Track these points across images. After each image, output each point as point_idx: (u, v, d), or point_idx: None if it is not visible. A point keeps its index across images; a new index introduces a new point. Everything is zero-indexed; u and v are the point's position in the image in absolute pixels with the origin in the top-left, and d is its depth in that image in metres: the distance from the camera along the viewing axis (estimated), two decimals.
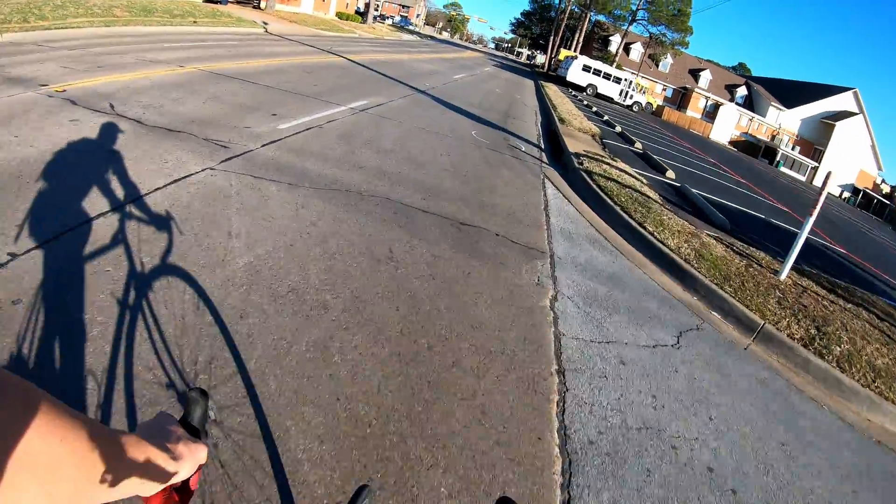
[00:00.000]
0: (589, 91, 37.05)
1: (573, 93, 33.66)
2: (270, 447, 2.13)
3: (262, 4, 29.96)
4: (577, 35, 54.99)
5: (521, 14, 74.04)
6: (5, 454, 0.39)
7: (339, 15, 42.12)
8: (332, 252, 3.91)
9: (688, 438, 3.04)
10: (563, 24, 52.67)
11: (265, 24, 22.09)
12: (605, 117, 22.06)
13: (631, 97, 37.47)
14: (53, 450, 0.42)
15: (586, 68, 36.58)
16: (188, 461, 0.62)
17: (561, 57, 45.77)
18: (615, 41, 63.08)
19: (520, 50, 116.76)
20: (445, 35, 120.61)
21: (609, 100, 38.13)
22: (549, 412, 2.90)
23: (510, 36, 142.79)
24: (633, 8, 53.02)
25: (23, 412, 0.41)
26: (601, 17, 60.69)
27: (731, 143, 63.20)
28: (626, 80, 37.22)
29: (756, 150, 63.64)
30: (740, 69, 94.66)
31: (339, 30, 31.85)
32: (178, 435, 0.63)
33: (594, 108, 24.41)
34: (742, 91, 69.63)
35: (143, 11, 14.74)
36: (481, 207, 5.97)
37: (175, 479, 0.60)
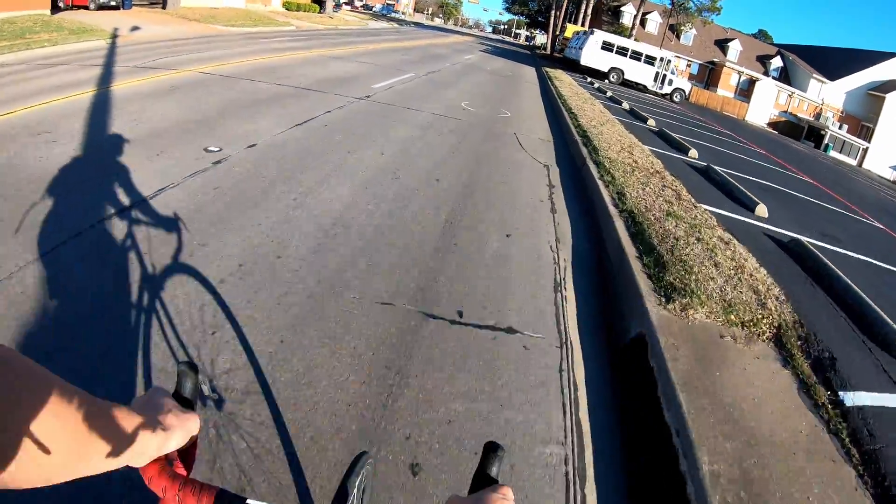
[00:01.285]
0: (613, 78, 26.24)
1: (589, 80, 22.95)
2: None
3: (168, 4, 20.19)
4: (583, 6, 43.61)
5: None
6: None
7: (288, 5, 31.74)
8: None
9: None
10: None
11: (122, 31, 11.85)
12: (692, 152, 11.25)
13: (670, 83, 26.58)
14: (46, 423, 0.42)
15: (607, 46, 25.75)
16: (179, 431, 0.62)
17: (568, 34, 34.68)
18: (628, 12, 51.56)
19: (517, 31, 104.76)
20: (438, 21, 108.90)
21: (640, 88, 27.25)
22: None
23: (508, 17, 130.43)
24: None
25: (14, 384, 0.40)
26: None
27: (770, 124, 51.83)
28: (662, 59, 26.31)
29: (798, 131, 52.10)
30: (761, 37, 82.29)
31: (267, 23, 22.39)
32: (169, 406, 0.63)
33: (652, 126, 13.62)
34: (776, 62, 57.84)
35: None
36: None
37: (167, 450, 0.61)
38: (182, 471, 0.64)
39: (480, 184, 5.85)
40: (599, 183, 6.10)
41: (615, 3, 51.26)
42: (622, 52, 25.76)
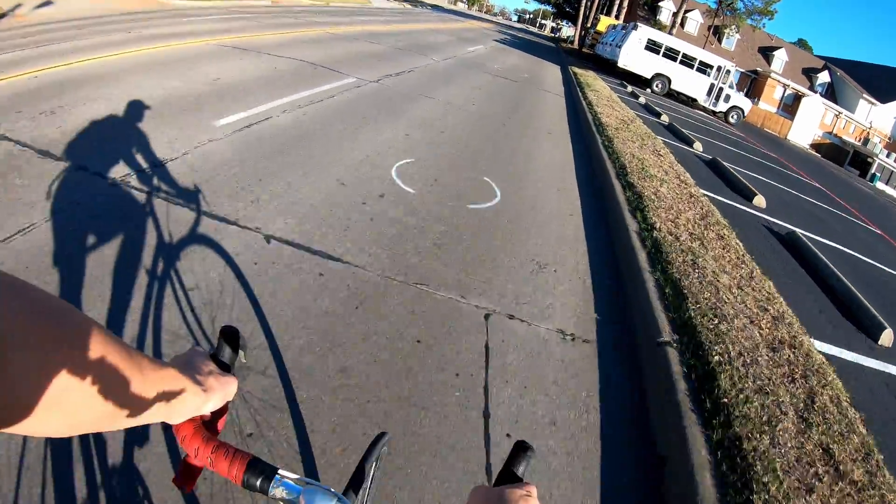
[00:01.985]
0: (657, 87, 20.66)
1: (630, 90, 17.48)
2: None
3: None
4: None
5: None
6: (52, 390, 0.38)
7: None
8: None
9: None
10: None
11: None
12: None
13: (727, 99, 20.97)
14: (94, 369, 0.41)
15: (653, 46, 20.15)
16: (218, 393, 0.61)
17: (601, 28, 28.89)
18: (667, 8, 45.44)
19: (543, 22, 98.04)
20: (461, 6, 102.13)
21: (687, 101, 21.72)
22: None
23: (534, 6, 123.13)
24: None
25: (65, 337, 0.40)
26: None
27: (812, 146, 45.95)
28: (720, 69, 20.68)
29: (842, 155, 46.17)
30: (800, 48, 75.27)
31: None
32: (210, 368, 0.63)
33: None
34: (823, 77, 51.56)
35: None
36: None
37: (204, 411, 0.60)
38: (210, 431, 0.63)
39: None
40: None
41: None
42: (671, 55, 20.19)
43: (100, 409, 0.43)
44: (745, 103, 21.79)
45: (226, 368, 0.67)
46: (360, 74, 8.60)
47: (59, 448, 1.69)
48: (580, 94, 12.45)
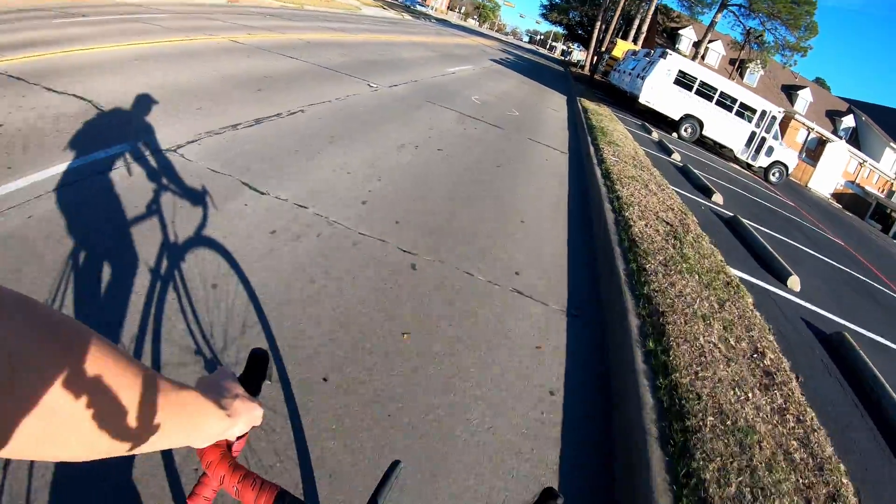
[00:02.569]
0: (686, 132, 16.35)
1: (647, 129, 13.31)
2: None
3: None
4: (636, 21, 33.63)
5: None
6: (44, 404, 0.36)
7: None
8: None
9: None
10: (620, 3, 31.20)
11: None
12: None
13: (770, 151, 16.64)
14: (107, 403, 0.40)
15: (685, 80, 15.86)
16: (243, 418, 0.59)
17: (618, 53, 24.73)
18: (687, 37, 41.49)
19: (554, 44, 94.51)
20: (472, 23, 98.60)
21: (719, 151, 17.54)
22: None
23: (546, 27, 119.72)
24: None
25: (76, 356, 0.38)
26: (667, 1, 39.61)
27: (834, 195, 41.82)
28: (765, 114, 16.38)
29: (863, 207, 42.06)
30: (820, 87, 71.41)
31: None
32: (236, 392, 0.61)
33: None
34: (848, 121, 47.59)
35: None
36: None
37: (229, 436, 0.59)
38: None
39: None
40: None
41: (673, 25, 41.19)
42: (706, 92, 15.95)
43: (116, 432, 0.41)
44: (790, 158, 17.50)
45: (253, 392, 0.64)
46: (171, 127, 4.26)
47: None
48: (593, 151, 8.19)
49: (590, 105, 13.71)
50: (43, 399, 0.34)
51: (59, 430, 0.36)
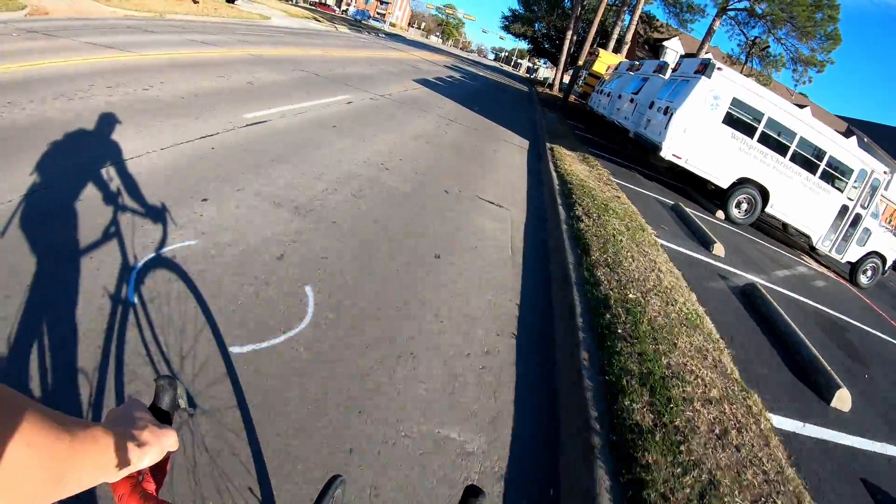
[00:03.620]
0: (738, 212, 9.04)
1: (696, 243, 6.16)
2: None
3: None
4: (614, 34, 26.67)
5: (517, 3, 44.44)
6: None
7: None
8: None
9: None
10: (602, 5, 24.05)
11: None
12: None
13: (863, 239, 9.51)
14: (19, 453, 0.39)
15: (741, 118, 8.47)
16: (154, 447, 0.58)
17: (600, 68, 17.53)
18: (673, 49, 34.95)
19: (520, 61, 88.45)
20: (434, 40, 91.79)
21: (789, 240, 10.34)
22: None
23: (511, 44, 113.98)
24: None
25: None
26: (650, 9, 33.23)
27: None
28: (862, 174, 9.27)
29: None
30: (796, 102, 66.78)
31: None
32: (146, 421, 0.59)
33: None
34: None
35: None
36: None
37: (141, 466, 0.57)
38: (151, 486, 0.60)
39: None
40: None
41: (657, 36, 34.67)
42: (777, 139, 8.80)
43: (35, 482, 0.40)
44: (890, 248, 10.38)
45: (164, 418, 0.63)
46: None
47: None
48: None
49: (568, 164, 6.35)
50: None
51: None
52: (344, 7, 74.87)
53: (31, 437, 0.39)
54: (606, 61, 17.19)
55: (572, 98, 21.44)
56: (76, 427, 0.45)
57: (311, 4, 63.30)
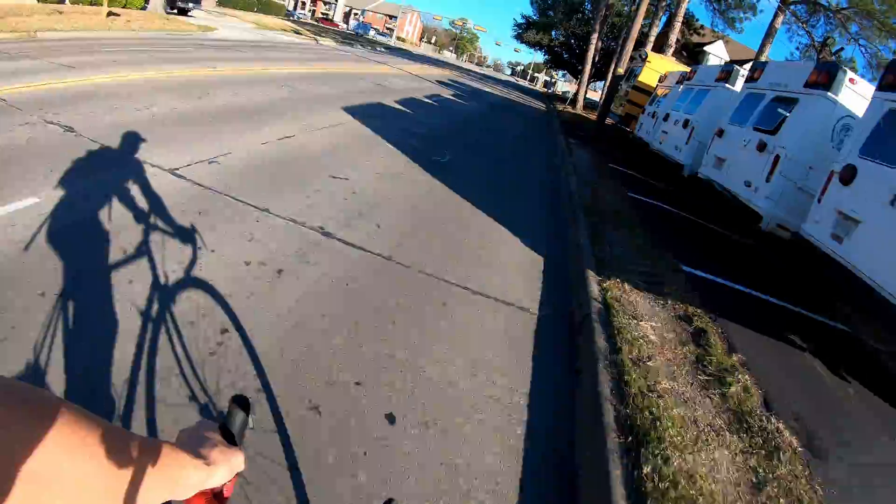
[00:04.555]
0: None
1: None
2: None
3: None
4: (650, 38, 21.27)
5: (530, 11, 39.40)
6: (24, 471, 0.36)
7: None
8: None
9: None
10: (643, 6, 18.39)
11: None
12: None
13: None
14: (81, 466, 0.39)
15: None
16: (223, 467, 0.58)
17: (648, 79, 12.09)
18: (716, 55, 29.43)
19: (536, 75, 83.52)
20: (448, 55, 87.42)
21: None
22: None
23: (531, 54, 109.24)
24: None
25: (42, 427, 0.37)
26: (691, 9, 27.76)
27: None
28: None
29: None
30: None
31: None
32: (214, 441, 0.60)
33: None
34: None
35: None
36: None
37: (210, 485, 0.57)
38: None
39: None
40: None
41: (696, 40, 29.26)
42: None
43: (98, 495, 0.40)
44: None
45: (233, 439, 0.63)
46: None
47: None
48: None
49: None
50: (24, 466, 0.34)
51: (42, 497, 0.35)
52: (353, 22, 71.17)
53: (95, 449, 0.40)
54: (659, 68, 11.87)
55: (611, 122, 16.13)
56: (143, 443, 0.46)
57: (315, 20, 59.87)
